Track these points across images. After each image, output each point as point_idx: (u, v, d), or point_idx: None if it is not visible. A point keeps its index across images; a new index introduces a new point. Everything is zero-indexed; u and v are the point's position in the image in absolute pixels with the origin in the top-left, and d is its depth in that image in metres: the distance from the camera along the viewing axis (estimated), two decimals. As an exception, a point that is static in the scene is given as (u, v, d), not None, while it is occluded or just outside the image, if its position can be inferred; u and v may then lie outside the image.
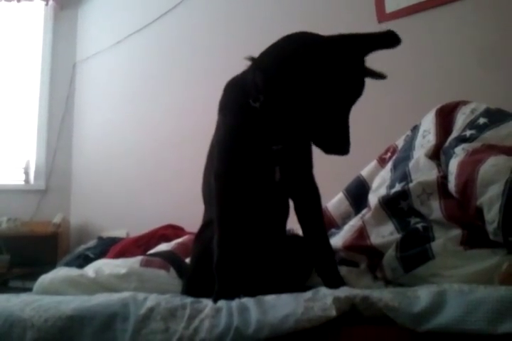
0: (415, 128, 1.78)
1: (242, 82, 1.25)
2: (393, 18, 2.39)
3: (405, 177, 1.55)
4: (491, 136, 1.46)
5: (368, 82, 2.45)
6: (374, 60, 2.44)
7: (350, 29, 2.59)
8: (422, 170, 1.53)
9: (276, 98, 1.13)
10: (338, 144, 1.12)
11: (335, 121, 1.11)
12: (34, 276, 1.63)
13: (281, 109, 1.14)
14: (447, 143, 1.54)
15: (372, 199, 1.64)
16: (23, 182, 4.27)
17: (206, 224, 1.35)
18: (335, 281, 1.22)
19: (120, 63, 4.09)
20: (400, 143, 1.83)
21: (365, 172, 1.86)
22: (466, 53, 2.15)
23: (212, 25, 3.36)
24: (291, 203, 1.41)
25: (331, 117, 1.10)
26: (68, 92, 4.44)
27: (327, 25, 2.63)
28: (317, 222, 1.34)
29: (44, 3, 4.42)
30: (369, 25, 2.47)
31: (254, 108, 1.18)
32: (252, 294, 1.08)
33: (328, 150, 1.13)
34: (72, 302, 1.11)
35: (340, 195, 1.86)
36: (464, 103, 1.67)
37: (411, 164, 1.58)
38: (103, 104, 4.19)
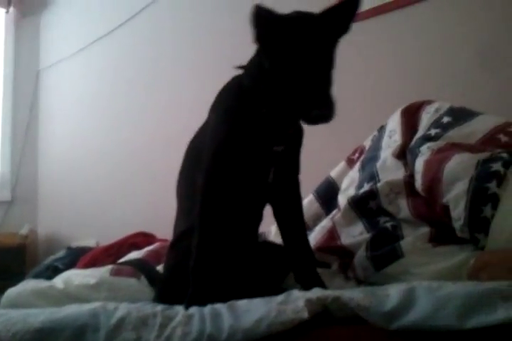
0: (382, 129, 1.80)
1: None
2: (364, 18, 2.39)
3: (373, 177, 1.57)
4: (455, 134, 1.49)
5: (340, 82, 2.47)
6: (350, 58, 2.47)
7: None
8: (390, 169, 1.55)
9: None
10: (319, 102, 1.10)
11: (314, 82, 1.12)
12: (2, 289, 1.58)
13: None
14: (413, 143, 1.57)
15: (342, 199, 1.66)
16: (-13, 194, 4.18)
17: (183, 233, 1.33)
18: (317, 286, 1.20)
19: (84, 70, 4.04)
20: (367, 143, 1.85)
21: (334, 173, 1.88)
22: (442, 52, 2.17)
23: (176, 32, 3.34)
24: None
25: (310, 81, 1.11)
26: (32, 100, 4.36)
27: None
28: (300, 226, 1.34)
29: (4, 10, 4.33)
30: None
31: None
32: (226, 299, 1.07)
33: (312, 111, 1.10)
34: (40, 315, 1.08)
35: (310, 197, 1.87)
36: (429, 102, 1.70)
37: (378, 164, 1.60)
38: (68, 112, 4.13)
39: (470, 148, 1.38)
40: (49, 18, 4.47)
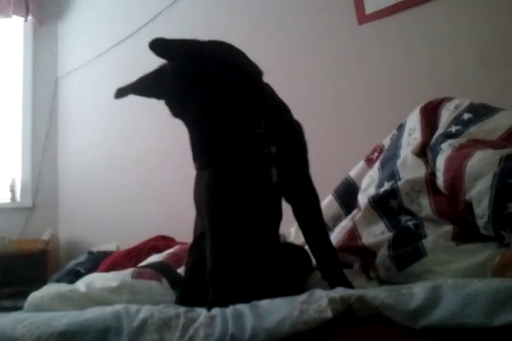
0: (401, 127, 1.78)
1: None
2: (374, 19, 2.40)
3: (393, 175, 1.55)
4: (476, 130, 1.47)
5: (355, 83, 2.46)
6: (358, 60, 2.46)
7: (331, 32, 2.60)
8: (410, 168, 1.53)
9: None
10: None
11: None
12: (25, 295, 1.59)
13: None
14: (433, 140, 1.55)
15: (362, 199, 1.64)
16: (9, 200, 4.23)
17: (201, 235, 1.34)
18: (340, 283, 1.20)
19: (102, 76, 4.07)
20: (386, 142, 1.83)
21: (353, 173, 1.86)
22: (451, 51, 2.16)
23: (193, 35, 3.35)
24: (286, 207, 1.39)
25: None
26: (51, 108, 4.42)
27: (308, 29, 2.67)
28: (318, 223, 1.33)
29: (23, 19, 4.39)
30: (350, 27, 2.49)
31: None
32: (247, 300, 1.06)
33: None
34: (64, 318, 1.08)
35: (329, 197, 1.86)
36: (448, 99, 1.68)
37: (398, 162, 1.58)
38: (87, 118, 4.17)
39: (492, 144, 1.35)
40: (66, 25, 4.53)
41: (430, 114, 1.67)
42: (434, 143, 1.52)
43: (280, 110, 1.30)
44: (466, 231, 1.27)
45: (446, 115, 1.60)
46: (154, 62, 3.59)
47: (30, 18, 4.40)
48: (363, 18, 2.44)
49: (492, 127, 1.46)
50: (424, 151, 1.57)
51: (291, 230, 1.95)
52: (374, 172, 1.71)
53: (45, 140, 4.35)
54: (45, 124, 4.37)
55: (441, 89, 2.09)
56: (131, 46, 3.77)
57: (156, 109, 3.75)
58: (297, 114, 1.34)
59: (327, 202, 1.84)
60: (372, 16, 2.41)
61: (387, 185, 1.54)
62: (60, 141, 4.41)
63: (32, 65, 4.45)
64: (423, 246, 1.29)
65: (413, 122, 1.70)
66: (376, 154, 1.83)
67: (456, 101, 1.63)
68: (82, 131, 4.20)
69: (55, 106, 4.45)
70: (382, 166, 1.68)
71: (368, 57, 2.45)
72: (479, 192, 1.19)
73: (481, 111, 1.53)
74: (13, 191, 4.25)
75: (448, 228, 1.30)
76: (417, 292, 0.87)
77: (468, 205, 1.23)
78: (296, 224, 1.48)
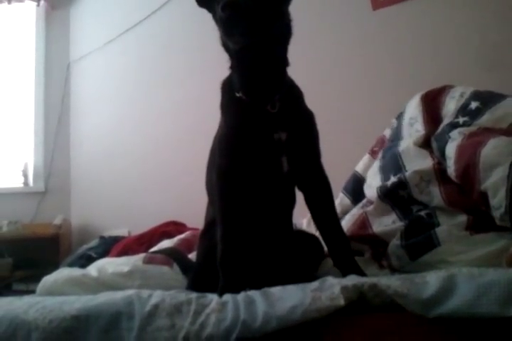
0: (400, 116, 1.75)
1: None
2: (388, 4, 2.37)
3: (399, 168, 1.51)
4: (486, 120, 1.43)
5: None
6: (371, 46, 2.43)
7: (345, 17, 2.57)
8: (415, 159, 1.50)
9: None
10: None
11: None
12: (37, 278, 1.61)
13: None
14: (439, 130, 1.51)
15: (368, 190, 1.63)
16: (22, 185, 4.27)
17: (212, 222, 1.34)
18: (352, 270, 1.19)
19: (115, 61, 4.07)
20: (387, 132, 1.81)
21: (359, 168, 1.84)
22: (462, 40, 2.14)
23: (206, 21, 3.32)
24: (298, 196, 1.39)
25: None
26: (63, 93, 4.43)
27: (322, 14, 2.64)
28: (330, 211, 1.32)
29: (35, 3, 4.40)
30: (364, 12, 2.45)
31: None
32: (259, 287, 1.06)
33: None
34: (76, 302, 1.09)
35: (340, 196, 1.83)
36: (450, 87, 1.64)
37: (403, 155, 1.54)
38: (99, 103, 4.17)
39: (504, 132, 1.32)
40: (78, 10, 4.52)
41: (431, 102, 1.63)
42: (441, 132, 1.49)
43: (295, 96, 1.29)
44: (479, 221, 1.25)
45: (451, 103, 1.56)
46: (165, 47, 3.59)
47: (42, 2, 4.40)
48: (377, 3, 2.41)
49: (502, 114, 1.42)
50: (428, 142, 1.54)
51: (302, 221, 1.94)
52: (378, 164, 1.68)
53: (57, 125, 4.37)
54: (57, 109, 4.39)
55: (455, 76, 2.06)
56: (143, 31, 3.76)
57: (169, 96, 3.74)
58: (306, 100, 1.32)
59: (338, 202, 1.79)
60: (386, 2, 2.39)
61: (394, 178, 1.50)
62: (72, 125, 4.43)
63: (44, 49, 4.46)
64: (436, 236, 1.27)
65: (413, 111, 1.66)
66: (380, 145, 1.80)
67: (460, 89, 1.59)
68: (94, 116, 4.21)
69: (67, 90, 4.46)
70: (384, 157, 1.65)
71: (381, 43, 2.42)
72: (495, 183, 1.16)
73: (487, 98, 1.48)
74: (25, 176, 4.29)
75: (461, 218, 1.28)
76: (431, 281, 0.86)
77: (483, 195, 1.21)
78: (308, 215, 1.47)
